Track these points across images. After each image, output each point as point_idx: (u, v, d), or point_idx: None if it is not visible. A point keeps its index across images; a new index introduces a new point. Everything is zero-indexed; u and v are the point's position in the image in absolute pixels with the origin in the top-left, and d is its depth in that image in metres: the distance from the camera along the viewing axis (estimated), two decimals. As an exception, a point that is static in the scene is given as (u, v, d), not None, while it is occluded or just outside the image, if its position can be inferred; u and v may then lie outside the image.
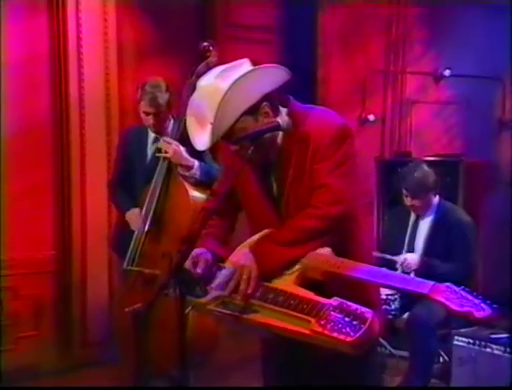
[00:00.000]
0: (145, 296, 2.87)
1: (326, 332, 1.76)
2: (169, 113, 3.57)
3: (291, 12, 5.11)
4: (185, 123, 2.16)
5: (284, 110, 2.14)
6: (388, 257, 4.01)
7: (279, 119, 2.08)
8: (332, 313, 1.79)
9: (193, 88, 2.17)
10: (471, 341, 3.73)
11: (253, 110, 2.05)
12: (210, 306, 2.07)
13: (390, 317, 3.95)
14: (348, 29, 5.38)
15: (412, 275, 3.94)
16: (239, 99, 2.01)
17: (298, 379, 2.26)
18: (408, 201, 4.04)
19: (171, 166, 3.45)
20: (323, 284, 1.97)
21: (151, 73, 3.77)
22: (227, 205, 2.31)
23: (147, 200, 3.46)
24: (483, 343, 3.69)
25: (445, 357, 4.13)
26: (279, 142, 2.14)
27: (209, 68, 2.77)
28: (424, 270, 3.86)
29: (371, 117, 5.56)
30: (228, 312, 2.02)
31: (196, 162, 3.41)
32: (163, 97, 3.50)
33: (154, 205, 3.44)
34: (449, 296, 1.74)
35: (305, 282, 1.97)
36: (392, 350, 4.23)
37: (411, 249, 4.08)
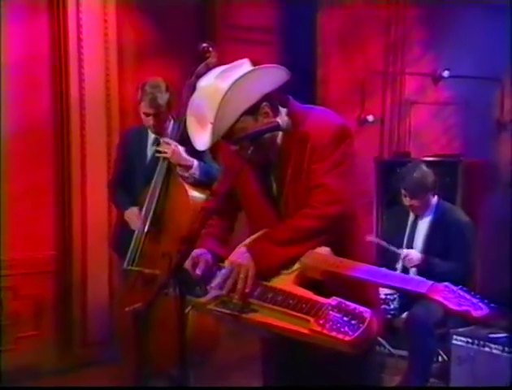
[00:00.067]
0: (145, 295, 2.87)
1: (325, 332, 1.77)
2: (169, 113, 3.57)
3: (290, 13, 5.12)
4: (185, 123, 2.16)
5: (283, 111, 2.15)
6: (392, 248, 4.03)
7: (278, 119, 2.08)
8: (331, 312, 1.80)
9: (193, 88, 2.18)
10: (470, 341, 3.73)
11: (253, 111, 2.05)
12: (209, 306, 2.08)
13: (389, 316, 3.96)
14: (347, 30, 5.40)
15: (413, 270, 3.98)
16: (239, 99, 2.01)
17: (298, 378, 2.26)
18: (407, 201, 4.05)
19: (170, 167, 3.46)
20: (322, 284, 1.97)
21: (151, 74, 3.78)
22: (227, 205, 2.31)
23: (147, 200, 3.47)
24: (481, 342, 3.69)
25: (444, 357, 4.14)
26: (278, 142, 2.14)
27: (208, 69, 2.78)
28: (425, 267, 3.88)
29: (370, 117, 5.57)
30: (228, 311, 2.02)
31: (195, 162, 3.42)
32: (163, 98, 3.51)
33: (153, 205, 3.45)
34: (447, 296, 1.75)
35: (305, 281, 1.98)
36: (392, 349, 4.24)
37: (410, 249, 4.10)
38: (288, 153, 2.13)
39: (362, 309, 1.79)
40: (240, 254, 2.07)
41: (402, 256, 3.98)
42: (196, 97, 2.09)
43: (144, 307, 2.00)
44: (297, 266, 2.01)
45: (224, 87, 1.99)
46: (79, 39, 4.38)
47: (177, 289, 1.91)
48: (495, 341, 3.68)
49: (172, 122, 3.57)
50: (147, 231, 3.46)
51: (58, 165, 4.46)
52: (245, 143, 2.05)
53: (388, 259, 4.07)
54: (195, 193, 3.40)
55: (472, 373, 3.69)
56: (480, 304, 1.72)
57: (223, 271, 2.08)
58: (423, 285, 1.81)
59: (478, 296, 1.75)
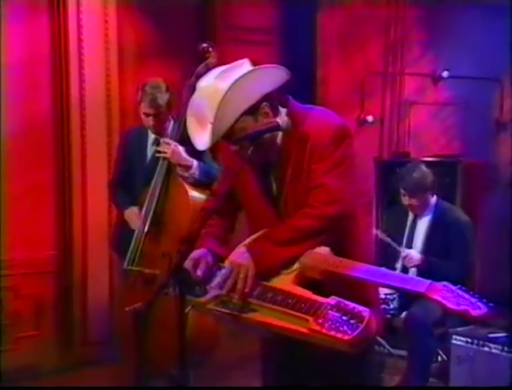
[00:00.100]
0: (145, 295, 2.87)
1: (324, 331, 1.78)
2: (169, 114, 3.58)
3: (290, 14, 5.13)
4: (185, 123, 2.17)
5: (283, 111, 2.15)
6: (394, 244, 4.05)
7: (278, 119, 2.09)
8: (330, 312, 1.81)
9: (193, 89, 2.18)
10: (469, 340, 3.74)
11: (252, 111, 2.06)
12: (209, 305, 2.09)
13: (388, 316, 3.97)
14: (347, 31, 5.40)
15: (413, 270, 3.99)
16: (239, 99, 2.02)
17: (297, 377, 2.28)
18: (406, 200, 4.06)
19: (170, 167, 3.47)
20: (321, 283, 1.98)
21: (151, 74, 3.79)
22: (227, 205, 2.32)
23: (147, 200, 3.48)
24: (481, 342, 3.69)
25: (443, 356, 4.14)
26: (278, 142, 2.15)
27: (208, 69, 2.79)
28: (424, 268, 3.89)
29: (370, 118, 5.57)
30: (227, 311, 2.03)
31: (195, 162, 3.43)
32: (163, 98, 3.51)
33: (153, 205, 3.46)
34: (446, 295, 1.76)
35: (304, 281, 1.98)
36: (391, 349, 4.24)
37: (409, 248, 4.11)
38: (287, 153, 2.13)
39: (360, 308, 1.80)
40: (239, 254, 2.07)
41: (403, 255, 3.99)
42: (196, 97, 2.10)
43: (144, 307, 2.00)
44: (296, 265, 2.01)
45: (224, 87, 2.00)
46: (79, 39, 4.38)
47: (177, 289, 1.92)
48: (494, 341, 3.68)
49: (172, 122, 3.58)
50: (147, 231, 3.46)
51: (59, 165, 4.46)
52: (244, 143, 2.06)
53: (388, 258, 4.08)
54: (195, 193, 3.41)
55: (471, 372, 3.70)
56: (479, 303, 1.73)
57: (223, 271, 2.09)
58: (421, 284, 1.81)
59: (476, 295, 1.76)
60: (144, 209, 3.49)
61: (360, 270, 1.93)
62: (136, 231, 3.50)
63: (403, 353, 4.05)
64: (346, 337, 1.74)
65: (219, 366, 3.82)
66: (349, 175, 2.11)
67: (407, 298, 3.87)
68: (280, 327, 1.89)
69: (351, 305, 1.81)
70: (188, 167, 3.42)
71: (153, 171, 3.50)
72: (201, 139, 2.07)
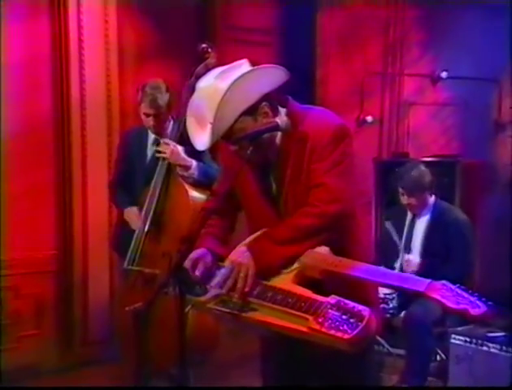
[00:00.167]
0: (145, 295, 2.88)
1: (323, 330, 1.79)
2: (169, 114, 3.59)
3: (290, 14, 5.14)
4: (185, 123, 2.17)
5: (283, 111, 2.16)
6: (395, 237, 4.09)
7: (278, 119, 2.09)
8: (330, 311, 1.82)
9: (193, 89, 2.18)
10: (468, 339, 3.75)
11: (252, 111, 2.07)
12: (209, 305, 2.09)
13: (388, 316, 3.98)
14: (346, 31, 5.41)
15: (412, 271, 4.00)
16: (238, 99, 2.03)
17: (297, 376, 2.28)
18: (404, 199, 4.07)
19: (170, 167, 3.47)
20: (321, 283, 1.99)
21: (152, 75, 3.80)
22: (227, 205, 2.33)
23: (147, 200, 3.48)
24: (479, 341, 3.70)
25: (442, 356, 4.14)
26: (278, 142, 2.15)
27: (208, 69, 2.79)
28: (423, 272, 3.89)
29: (369, 118, 5.58)
30: (227, 310, 2.04)
31: (194, 163, 3.43)
32: (163, 99, 3.52)
33: (154, 205, 3.47)
34: (445, 294, 1.76)
35: (304, 280, 1.99)
36: (390, 348, 4.25)
37: (408, 248, 4.12)
38: (287, 153, 2.14)
39: (360, 307, 1.81)
40: (240, 253, 2.08)
41: (402, 260, 4.01)
42: (195, 97, 2.11)
43: (144, 306, 2.00)
44: (296, 265, 2.02)
45: (223, 87, 2.00)
46: (80, 40, 4.38)
47: (177, 288, 1.92)
48: (493, 340, 3.69)
49: (172, 122, 3.58)
50: (147, 231, 3.47)
51: (59, 165, 4.46)
52: (244, 143, 2.06)
53: (388, 255, 4.11)
54: (195, 193, 3.41)
55: (470, 372, 3.71)
56: (478, 302, 1.73)
57: (224, 271, 2.10)
58: (421, 284, 1.82)
59: (476, 294, 1.76)
60: (144, 209, 3.49)
61: (360, 269, 1.93)
62: (136, 231, 3.51)
63: (402, 352, 4.06)
64: (346, 336, 1.75)
65: (219, 365, 3.82)
66: (348, 175, 2.11)
67: (406, 298, 3.88)
68: (280, 326, 1.90)
69: (351, 304, 1.82)
70: (187, 167, 3.43)
71: (153, 171, 3.51)
72: (201, 139, 2.08)
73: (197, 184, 3.45)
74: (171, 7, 4.69)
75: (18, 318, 4.35)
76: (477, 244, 4.37)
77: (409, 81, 5.78)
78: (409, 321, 3.84)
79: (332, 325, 1.78)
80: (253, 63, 2.12)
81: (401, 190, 4.07)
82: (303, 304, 1.87)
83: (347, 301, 1.83)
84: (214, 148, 2.21)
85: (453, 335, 3.83)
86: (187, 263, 2.12)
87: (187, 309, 2.03)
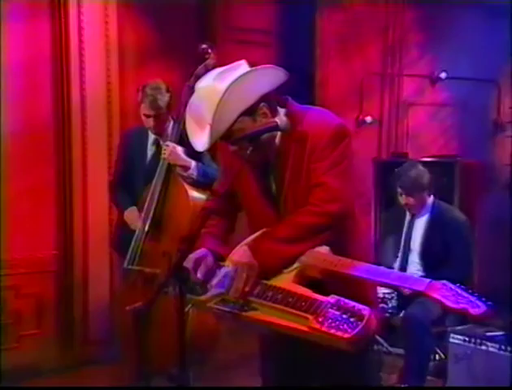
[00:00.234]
0: (145, 294, 2.90)
1: (323, 329, 1.79)
2: (169, 114, 3.60)
3: (289, 15, 5.15)
4: (184, 124, 2.18)
5: (282, 111, 2.16)
6: (394, 237, 4.13)
7: (277, 120, 2.10)
8: (330, 310, 1.82)
9: (193, 89, 2.18)
10: (467, 339, 3.75)
11: (251, 111, 2.07)
12: (209, 304, 2.10)
13: (387, 315, 3.99)
14: (345, 32, 5.41)
15: (412, 270, 4.01)
16: (237, 100, 2.03)
17: (296, 376, 2.29)
18: (402, 199, 4.08)
19: (170, 167, 3.48)
20: (321, 282, 1.99)
21: (152, 75, 3.81)
22: (227, 205, 2.34)
23: (147, 200, 3.49)
24: (478, 340, 3.71)
25: (441, 355, 4.16)
26: (277, 142, 2.15)
27: (207, 70, 2.80)
28: (423, 272, 3.92)
29: (369, 119, 5.58)
30: (228, 310, 2.04)
31: (193, 163, 3.44)
32: (163, 100, 3.53)
33: (154, 205, 3.47)
34: (445, 294, 1.76)
35: (304, 280, 2.00)
36: (389, 348, 4.27)
37: (407, 248, 4.13)
38: (286, 153, 2.14)
39: (360, 306, 1.81)
40: (241, 253, 2.09)
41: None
42: (194, 98, 2.11)
43: (144, 306, 2.00)
44: (296, 264, 2.02)
45: (222, 88, 2.00)
46: (80, 41, 4.38)
47: (177, 288, 1.93)
48: (492, 339, 3.69)
49: (172, 123, 3.59)
50: (147, 231, 3.48)
51: (60, 165, 4.47)
52: (243, 143, 2.07)
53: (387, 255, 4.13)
54: (195, 193, 3.42)
55: (469, 371, 3.71)
56: (478, 302, 1.73)
57: (224, 270, 2.10)
58: (420, 283, 1.83)
59: (475, 293, 1.77)
60: (144, 209, 3.50)
61: (360, 269, 1.94)
62: (136, 231, 3.52)
63: (401, 351, 4.06)
64: (346, 335, 1.75)
65: (219, 364, 3.83)
66: (348, 175, 2.12)
67: (405, 297, 3.88)
68: (281, 325, 1.91)
69: (351, 303, 1.83)
70: (186, 168, 3.44)
71: (153, 172, 3.52)
72: (200, 140, 2.08)
73: (196, 184, 3.45)
74: (171, 8, 4.70)
75: (18, 317, 4.35)
76: (476, 244, 4.38)
77: (408, 82, 5.78)
78: (408, 320, 3.84)
79: (332, 324, 1.79)
80: (251, 64, 2.12)
81: (399, 190, 4.08)
82: (303, 303, 1.88)
83: (347, 301, 1.84)
84: (213, 148, 2.21)
85: (451, 335, 3.83)
86: (188, 264, 2.12)
87: (187, 309, 2.04)
